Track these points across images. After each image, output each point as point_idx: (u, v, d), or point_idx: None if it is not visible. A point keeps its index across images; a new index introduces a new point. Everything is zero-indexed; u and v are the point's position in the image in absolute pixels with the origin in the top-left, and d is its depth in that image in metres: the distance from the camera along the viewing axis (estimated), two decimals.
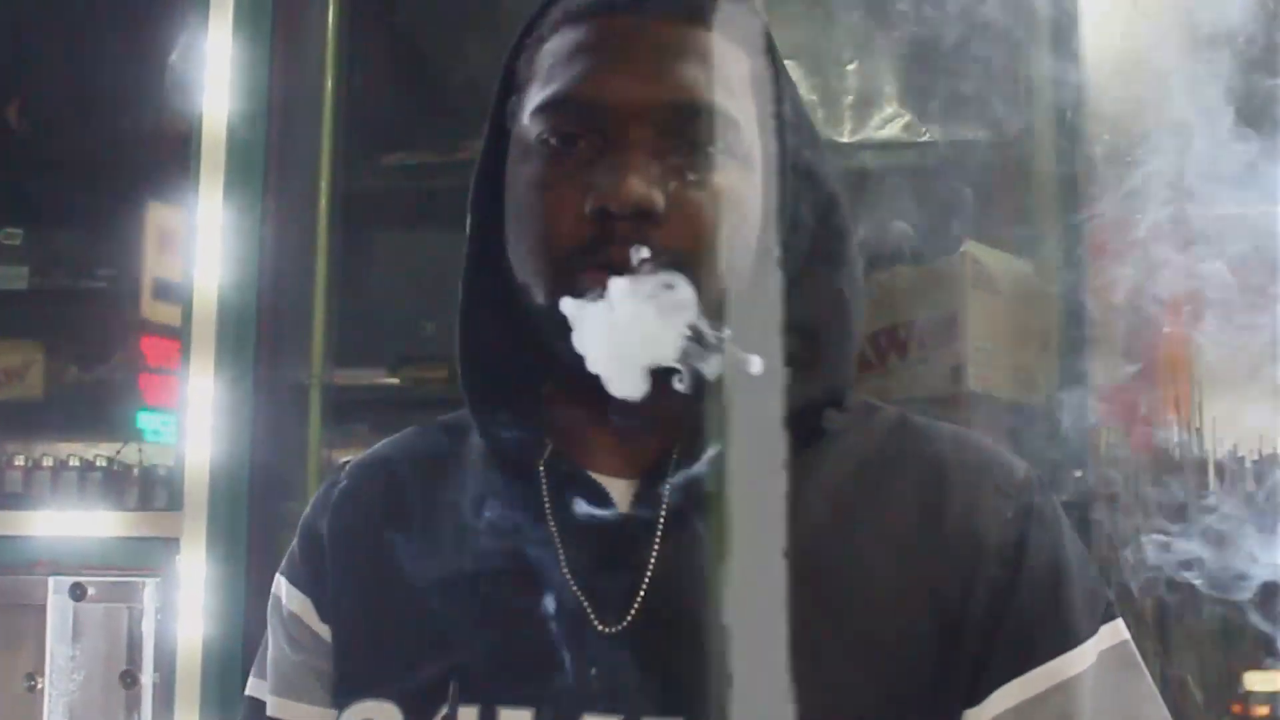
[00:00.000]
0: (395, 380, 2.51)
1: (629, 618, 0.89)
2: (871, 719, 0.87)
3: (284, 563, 1.08)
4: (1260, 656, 2.03)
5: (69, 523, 2.17)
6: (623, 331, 0.82)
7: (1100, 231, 2.07)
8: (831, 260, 0.97)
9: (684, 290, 0.83)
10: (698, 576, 0.87)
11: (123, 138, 2.72)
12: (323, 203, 2.44)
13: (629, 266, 0.84)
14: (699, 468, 0.88)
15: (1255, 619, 1.91)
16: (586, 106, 0.89)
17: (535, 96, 0.92)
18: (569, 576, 0.91)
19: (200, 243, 2.20)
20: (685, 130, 0.88)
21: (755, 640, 0.83)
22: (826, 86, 2.35)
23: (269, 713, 1.04)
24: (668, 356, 0.82)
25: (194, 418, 2.15)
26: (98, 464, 2.51)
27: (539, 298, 0.90)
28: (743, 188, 0.91)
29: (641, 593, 0.89)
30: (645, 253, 0.84)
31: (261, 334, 2.24)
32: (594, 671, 0.88)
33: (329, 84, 2.46)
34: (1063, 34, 2.12)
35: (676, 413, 0.84)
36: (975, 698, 0.88)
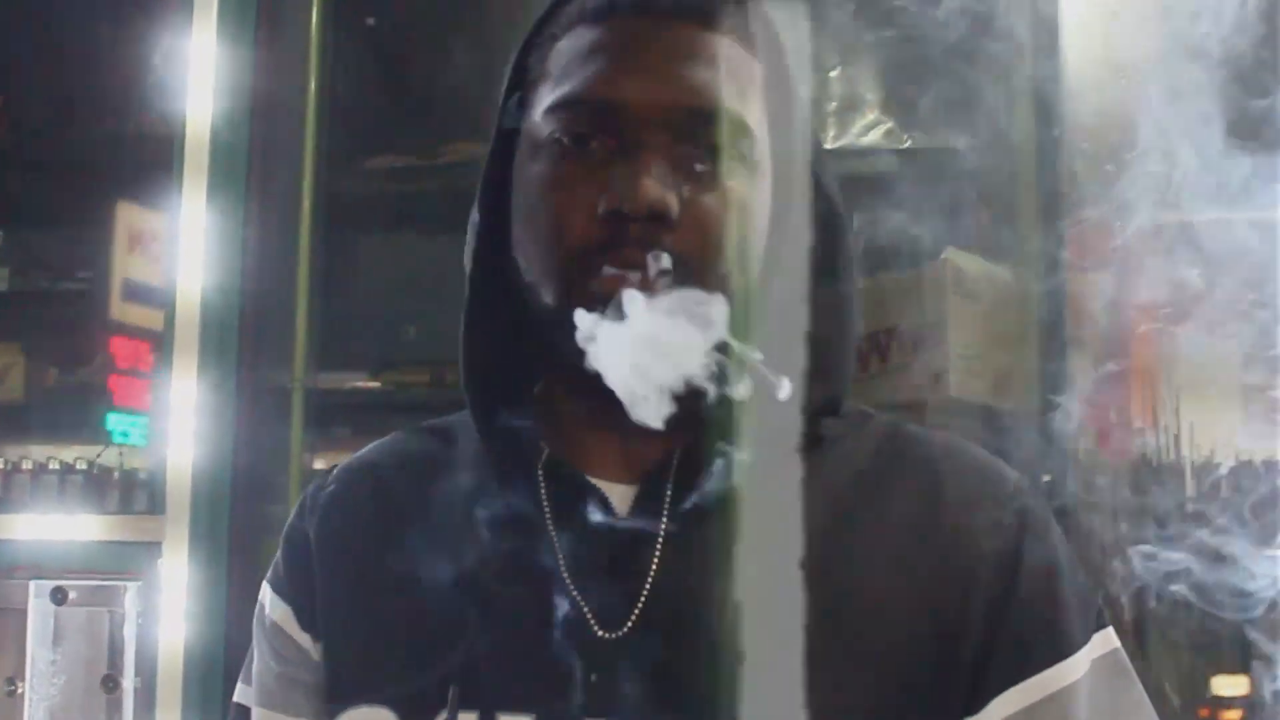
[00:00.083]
0: (377, 384, 2.52)
1: (630, 624, 0.89)
2: None
3: (270, 571, 1.07)
4: (1228, 661, 2.05)
5: (50, 526, 2.16)
6: (646, 352, 0.81)
7: (1081, 238, 2.08)
8: (833, 271, 0.97)
9: (715, 307, 0.83)
10: (700, 583, 0.87)
11: (102, 139, 2.72)
12: (305, 206, 2.44)
13: (643, 268, 0.84)
14: (706, 476, 0.89)
15: (1224, 624, 1.93)
16: (601, 107, 0.89)
17: (549, 95, 0.91)
18: (569, 582, 0.91)
19: (183, 245, 2.19)
20: (699, 135, 0.88)
21: (769, 652, 0.84)
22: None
23: None
24: (696, 378, 0.82)
25: (176, 421, 2.14)
26: (77, 467, 2.50)
27: (548, 298, 0.90)
28: (753, 195, 0.91)
29: (642, 599, 0.89)
30: (666, 261, 0.84)
31: (244, 337, 2.24)
32: (594, 678, 0.88)
33: (312, 87, 2.45)
34: (1044, 42, 2.13)
35: (677, 417, 0.84)
36: (975, 706, 0.89)
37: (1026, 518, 0.93)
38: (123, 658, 2.06)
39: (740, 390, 0.82)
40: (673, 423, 0.85)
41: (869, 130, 2.32)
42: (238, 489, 2.18)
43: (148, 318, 2.72)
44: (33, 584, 2.08)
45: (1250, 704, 2.04)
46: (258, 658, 1.06)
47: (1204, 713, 2.05)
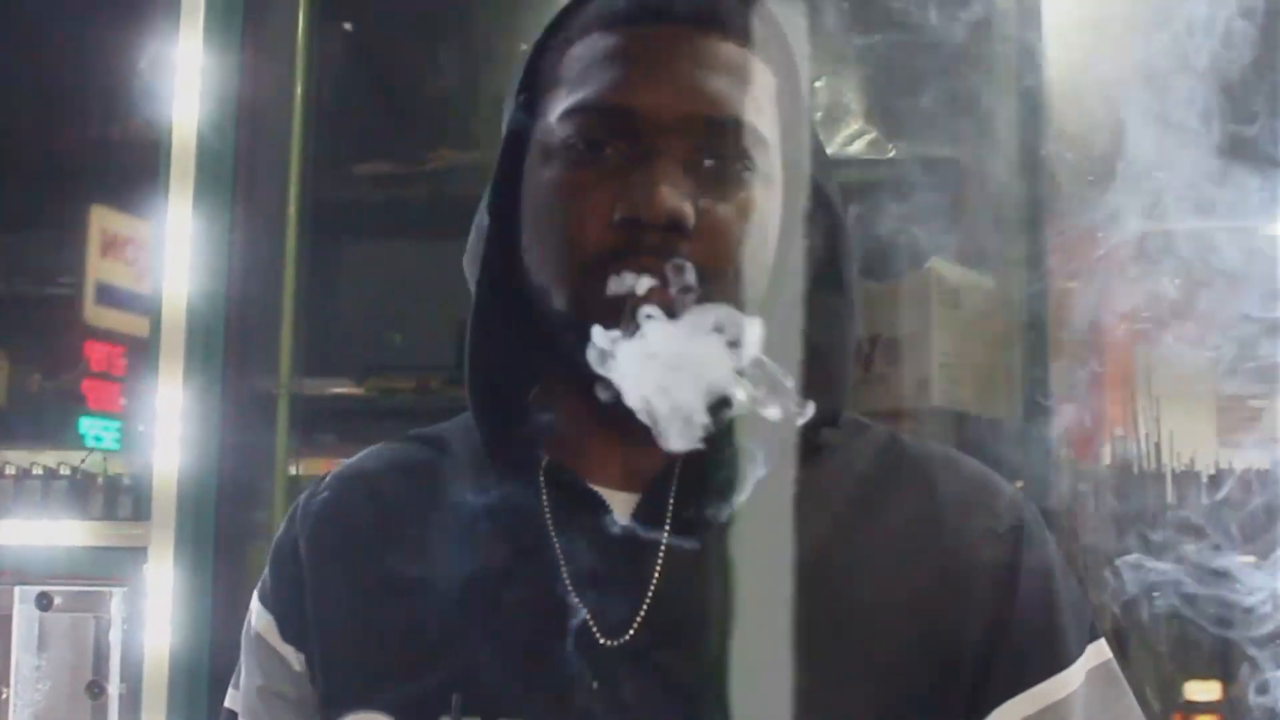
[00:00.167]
0: (363, 390, 2.52)
1: (632, 631, 0.88)
2: None
3: (259, 581, 1.06)
4: (1200, 667, 2.07)
5: (35, 532, 2.15)
6: (674, 377, 0.79)
7: (1063, 248, 2.10)
8: (837, 283, 0.97)
9: (747, 326, 0.81)
10: (702, 591, 0.87)
11: (82, 143, 2.72)
12: (291, 212, 2.44)
13: (659, 276, 0.84)
14: (709, 484, 0.88)
15: (1198, 631, 1.94)
16: (619, 114, 0.88)
17: (563, 100, 0.90)
18: (571, 588, 0.90)
19: (168, 251, 2.19)
20: (716, 144, 0.88)
21: (770, 661, 0.84)
22: None
23: None
24: (728, 401, 0.80)
25: (162, 426, 2.14)
26: (61, 472, 2.49)
27: (558, 303, 0.89)
28: (766, 206, 0.91)
29: (645, 606, 0.89)
30: (690, 276, 0.84)
31: (229, 343, 2.24)
32: (596, 685, 0.87)
33: (298, 93, 2.46)
34: (1026, 54, 2.15)
35: None
36: (974, 717, 0.89)
37: (1024, 530, 0.93)
38: (108, 663, 2.05)
39: (772, 412, 0.80)
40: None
41: (853, 140, 2.34)
42: (223, 495, 2.18)
43: (122, 322, 2.72)
44: (17, 589, 2.07)
45: (1223, 709, 2.06)
46: (243, 668, 1.05)
47: (1177, 718, 2.07)
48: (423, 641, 0.93)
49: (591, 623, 0.89)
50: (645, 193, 0.85)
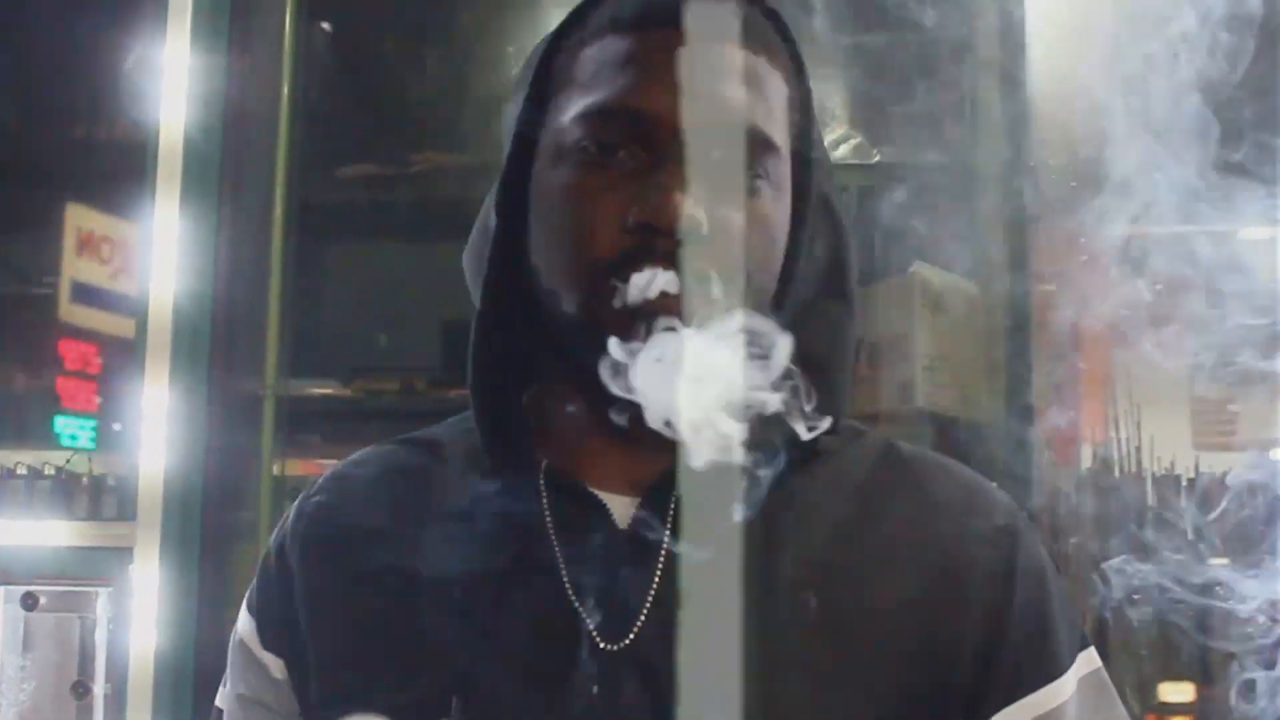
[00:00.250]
0: (348, 391, 2.53)
1: (632, 635, 0.88)
2: None
3: (249, 587, 1.06)
4: (1175, 668, 2.08)
5: (20, 532, 2.15)
6: (705, 388, 0.78)
7: (1046, 252, 2.12)
8: (839, 293, 0.97)
9: (779, 340, 0.80)
10: (702, 595, 0.86)
11: (63, 142, 2.72)
12: (277, 214, 2.44)
13: (672, 269, 0.83)
14: (707, 490, 0.86)
15: (1172, 633, 1.96)
16: (634, 118, 0.87)
17: (577, 102, 0.90)
18: (571, 593, 0.90)
19: (155, 252, 2.19)
20: (732, 152, 0.88)
21: (767, 666, 0.84)
22: None
23: None
24: (767, 411, 0.79)
25: (148, 427, 2.14)
26: (46, 472, 2.49)
27: (568, 306, 0.88)
28: (775, 214, 0.91)
29: (645, 611, 0.89)
30: (717, 289, 0.83)
31: (215, 344, 2.24)
32: (596, 689, 0.87)
33: (285, 95, 2.46)
34: (1010, 60, 2.17)
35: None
36: None
37: (1018, 539, 0.94)
38: (93, 663, 2.05)
39: (799, 424, 0.80)
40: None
41: (839, 145, 2.35)
42: (209, 495, 2.18)
43: (97, 320, 2.72)
44: (2, 589, 2.07)
45: (1197, 711, 2.08)
46: (228, 672, 1.05)
47: (1151, 719, 2.09)
48: (422, 645, 0.92)
49: (591, 627, 0.89)
50: (660, 198, 0.84)
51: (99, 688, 2.05)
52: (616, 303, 0.84)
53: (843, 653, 0.88)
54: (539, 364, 0.98)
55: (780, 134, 0.91)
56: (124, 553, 2.09)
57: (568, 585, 0.90)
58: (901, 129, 2.11)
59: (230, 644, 1.05)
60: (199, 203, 2.22)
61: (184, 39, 2.24)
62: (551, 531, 0.92)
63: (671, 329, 0.81)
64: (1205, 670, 2.06)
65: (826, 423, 0.81)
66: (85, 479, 2.44)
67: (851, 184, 2.26)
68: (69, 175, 2.69)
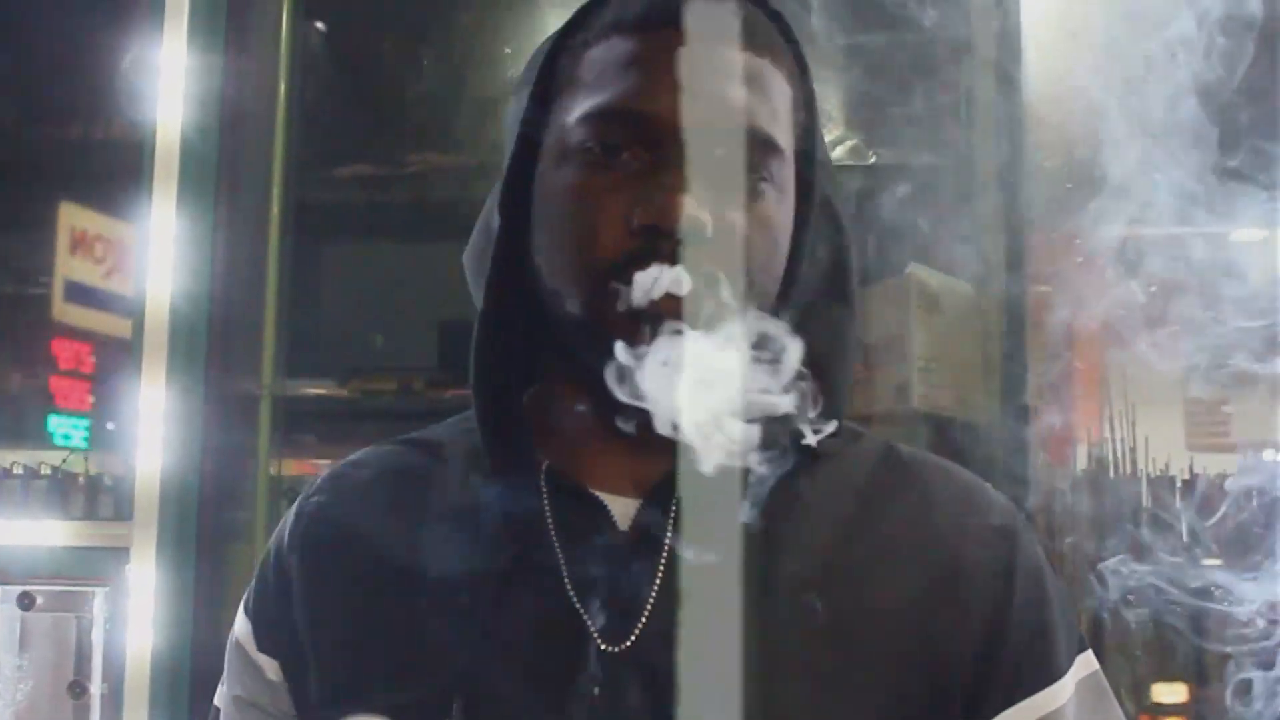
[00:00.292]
0: (345, 392, 2.53)
1: (633, 638, 0.88)
2: None
3: (248, 588, 1.06)
4: (1168, 669, 2.09)
5: (17, 531, 2.15)
6: (712, 391, 0.78)
7: (1041, 253, 2.12)
8: (841, 295, 0.97)
9: (788, 343, 0.80)
10: (703, 597, 0.86)
11: (61, 142, 2.72)
12: (275, 214, 2.45)
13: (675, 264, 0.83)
14: (709, 492, 0.86)
15: (1166, 633, 1.97)
16: (639, 120, 0.87)
17: (582, 103, 0.90)
18: (573, 594, 0.90)
19: (152, 252, 2.19)
20: (736, 154, 0.88)
21: (768, 668, 0.84)
22: None
23: None
24: (776, 415, 0.79)
25: (145, 427, 2.15)
26: (42, 472, 2.49)
27: (572, 307, 0.88)
28: (779, 217, 0.91)
29: (646, 612, 0.88)
30: (726, 292, 0.83)
31: (212, 344, 2.24)
32: (597, 691, 0.87)
33: (281, 96, 2.46)
34: (1006, 62, 2.17)
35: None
36: None
37: (1018, 542, 0.94)
38: (90, 663, 2.05)
39: (807, 429, 0.81)
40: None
41: (835, 146, 2.35)
42: (205, 495, 2.18)
43: (90, 319, 2.72)
44: None
45: (1190, 711, 2.08)
46: (225, 673, 1.05)
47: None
48: (423, 646, 0.92)
49: (593, 629, 0.89)
50: (665, 200, 0.84)
51: (95, 687, 2.05)
52: (620, 305, 0.84)
53: (843, 654, 0.88)
54: (540, 364, 0.98)
55: (784, 136, 0.91)
56: (120, 553, 2.09)
57: (569, 586, 0.90)
58: (898, 130, 2.11)
59: (228, 645, 1.05)
60: (196, 203, 2.22)
61: (181, 39, 2.24)
62: (552, 532, 0.92)
63: (678, 332, 0.81)
64: (1199, 671, 2.07)
65: (832, 426, 0.82)
66: (81, 479, 2.45)
67: (848, 185, 2.27)
68: (63, 174, 2.69)
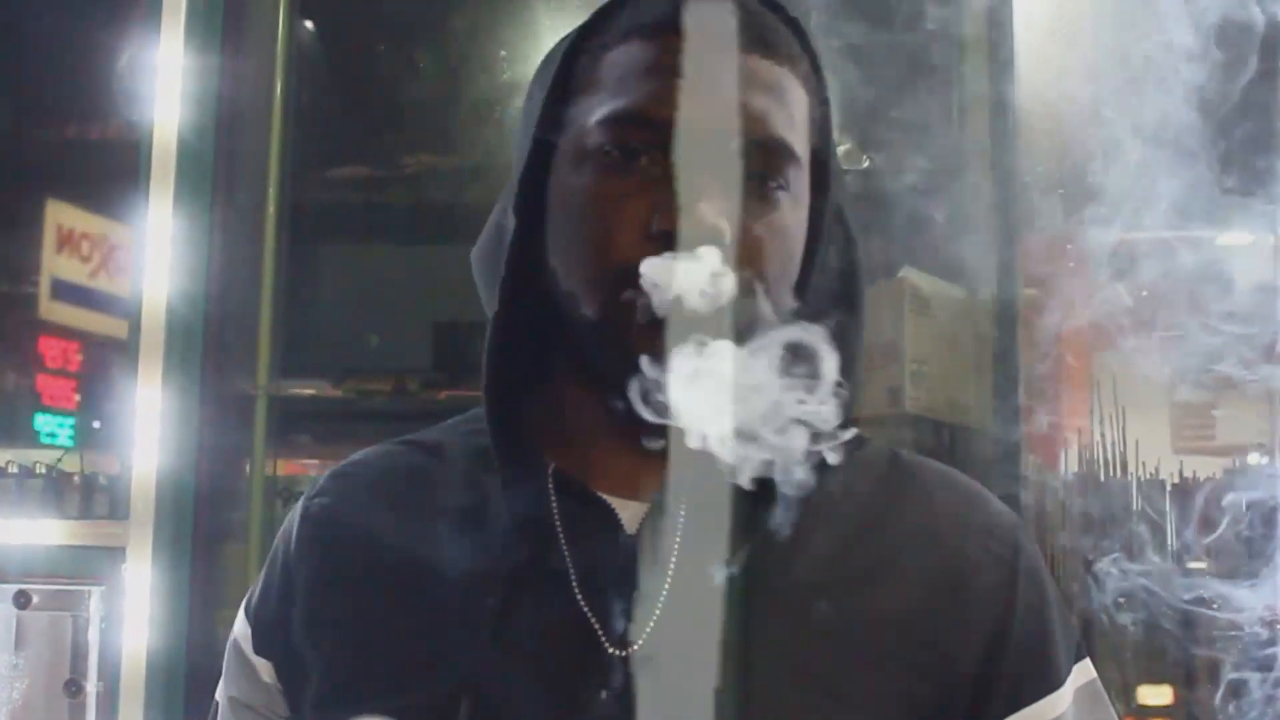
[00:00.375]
0: (340, 392, 2.53)
1: (641, 641, 0.88)
2: None
3: (249, 590, 1.05)
4: (1154, 671, 2.10)
5: (14, 530, 2.16)
6: (741, 402, 0.77)
7: (1034, 258, 2.13)
8: (850, 304, 0.96)
9: (827, 355, 0.79)
10: (711, 601, 0.86)
11: (52, 141, 2.73)
12: (270, 214, 2.46)
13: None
14: (719, 497, 0.86)
15: (1152, 635, 1.97)
16: (660, 125, 0.87)
17: (601, 106, 0.89)
18: (580, 597, 0.90)
19: (149, 253, 2.20)
20: (755, 161, 0.87)
21: (775, 673, 0.85)
22: None
23: None
24: (824, 430, 0.78)
25: (141, 427, 2.15)
26: (37, 471, 2.49)
27: (588, 311, 0.88)
28: (794, 225, 0.91)
29: (654, 617, 0.88)
30: (766, 309, 0.83)
31: (208, 344, 2.24)
32: (604, 695, 0.87)
33: (278, 97, 2.47)
34: (998, 67, 2.18)
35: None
36: None
37: (1020, 551, 0.95)
38: (85, 662, 2.05)
39: (829, 445, 0.80)
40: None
41: None
42: (201, 495, 2.19)
43: (77, 317, 2.73)
44: None
45: (1175, 713, 2.09)
46: (223, 672, 1.05)
47: None
48: (430, 648, 0.92)
49: (600, 632, 0.88)
50: (684, 209, 0.83)
51: (91, 686, 2.05)
52: (641, 315, 0.84)
53: (847, 661, 0.88)
54: (551, 366, 0.97)
55: (801, 144, 0.91)
56: (116, 552, 2.10)
57: (577, 590, 0.90)
58: (892, 135, 2.12)
59: (227, 644, 1.05)
60: (192, 203, 2.23)
61: (178, 40, 2.25)
62: (561, 536, 0.92)
63: (703, 343, 0.80)
64: (1185, 674, 2.08)
65: (851, 433, 0.81)
66: (76, 478, 2.45)
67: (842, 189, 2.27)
68: (52, 173, 2.70)
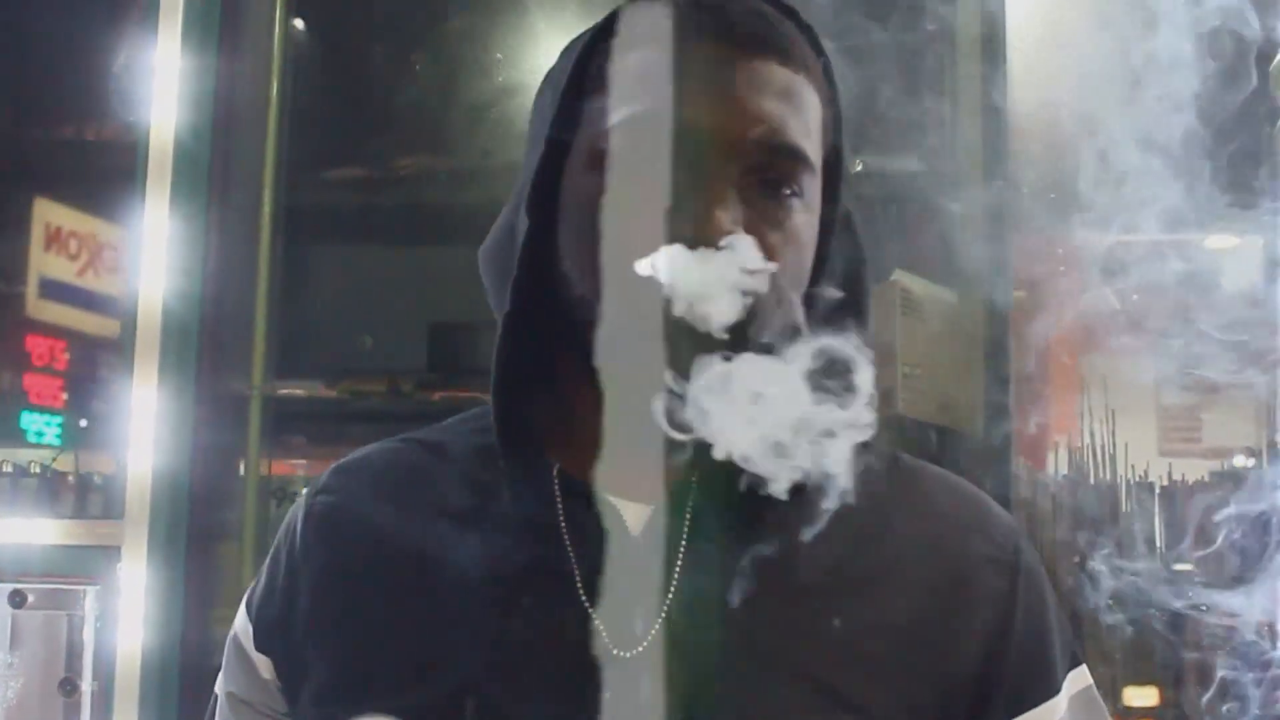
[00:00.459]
0: (334, 393, 2.54)
1: (646, 643, 0.88)
2: None
3: (250, 585, 1.05)
4: (1140, 672, 2.11)
5: (9, 529, 2.16)
6: (766, 412, 0.76)
7: (1025, 261, 2.14)
8: (856, 311, 0.95)
9: (863, 365, 0.79)
10: (716, 603, 0.86)
11: (45, 141, 2.73)
12: (266, 215, 2.46)
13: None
14: (724, 499, 0.87)
15: (1137, 636, 1.98)
16: (676, 130, 0.86)
17: (617, 109, 0.88)
18: (584, 598, 0.90)
19: (145, 253, 2.20)
20: (769, 168, 0.87)
21: (769, 675, 0.85)
22: None
23: None
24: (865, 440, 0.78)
25: (136, 426, 2.16)
26: (31, 470, 2.50)
27: (600, 313, 0.87)
28: (807, 231, 0.90)
29: (660, 619, 0.88)
30: (799, 316, 0.83)
31: (203, 344, 2.25)
32: (608, 696, 0.87)
33: (274, 98, 2.48)
34: (990, 72, 2.19)
35: (704, 442, 0.81)
36: None
37: (1020, 557, 0.95)
38: (81, 661, 2.06)
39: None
40: (697, 444, 0.81)
41: None
42: (196, 494, 2.19)
43: (65, 316, 2.73)
44: None
45: (1162, 715, 2.10)
46: (223, 667, 1.05)
47: None
48: (434, 647, 0.92)
49: (605, 633, 0.89)
50: (699, 215, 0.83)
51: (86, 685, 2.06)
52: (656, 320, 0.82)
53: (849, 663, 0.89)
54: (556, 366, 0.97)
55: (815, 151, 0.90)
56: (111, 551, 2.10)
57: (581, 591, 0.90)
58: (883, 138, 2.13)
59: (228, 639, 1.05)
60: (188, 204, 2.23)
61: (175, 41, 2.25)
62: (566, 536, 0.92)
63: (729, 358, 0.80)
64: (1172, 675, 2.09)
65: (867, 433, 0.80)
66: (71, 477, 2.46)
67: None
68: (42, 172, 2.70)
